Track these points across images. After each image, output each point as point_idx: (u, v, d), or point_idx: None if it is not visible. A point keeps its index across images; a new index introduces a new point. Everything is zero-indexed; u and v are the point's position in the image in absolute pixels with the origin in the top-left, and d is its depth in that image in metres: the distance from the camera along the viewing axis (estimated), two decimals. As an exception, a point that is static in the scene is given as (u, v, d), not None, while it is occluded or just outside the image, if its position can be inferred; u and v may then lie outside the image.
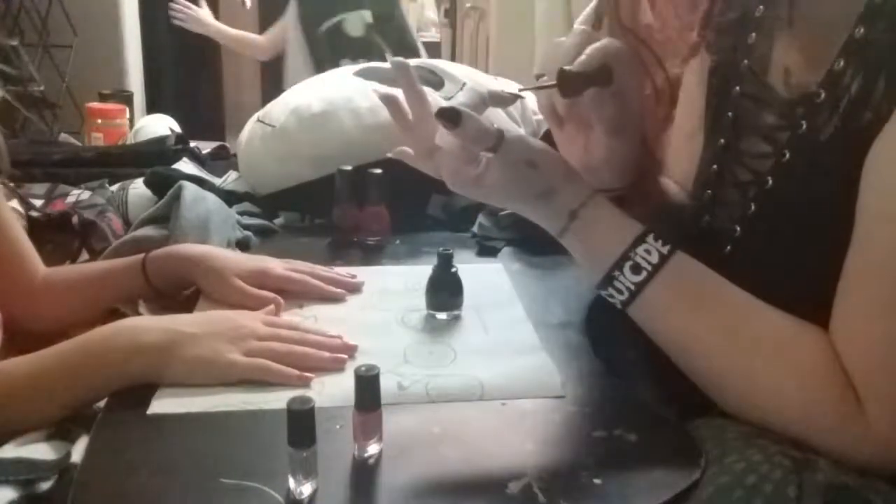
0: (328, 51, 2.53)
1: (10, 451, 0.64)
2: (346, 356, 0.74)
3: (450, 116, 0.67)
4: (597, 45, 0.72)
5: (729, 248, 0.76)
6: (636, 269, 0.67)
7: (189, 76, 4.08)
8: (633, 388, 0.71)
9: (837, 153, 0.65)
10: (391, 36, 2.55)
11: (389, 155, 0.80)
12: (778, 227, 0.72)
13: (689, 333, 0.67)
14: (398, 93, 0.77)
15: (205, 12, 2.80)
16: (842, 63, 0.66)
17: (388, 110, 0.77)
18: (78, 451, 0.63)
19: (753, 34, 0.77)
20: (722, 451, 0.59)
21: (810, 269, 0.68)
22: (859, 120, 0.63)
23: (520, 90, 0.78)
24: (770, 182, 0.72)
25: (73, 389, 0.68)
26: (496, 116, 1.23)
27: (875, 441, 0.59)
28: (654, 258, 0.67)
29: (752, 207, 0.74)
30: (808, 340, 0.63)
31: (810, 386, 0.61)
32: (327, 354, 0.73)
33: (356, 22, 2.52)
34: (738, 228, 0.75)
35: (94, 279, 0.90)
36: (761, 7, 0.77)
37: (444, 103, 0.69)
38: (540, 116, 1.38)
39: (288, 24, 2.65)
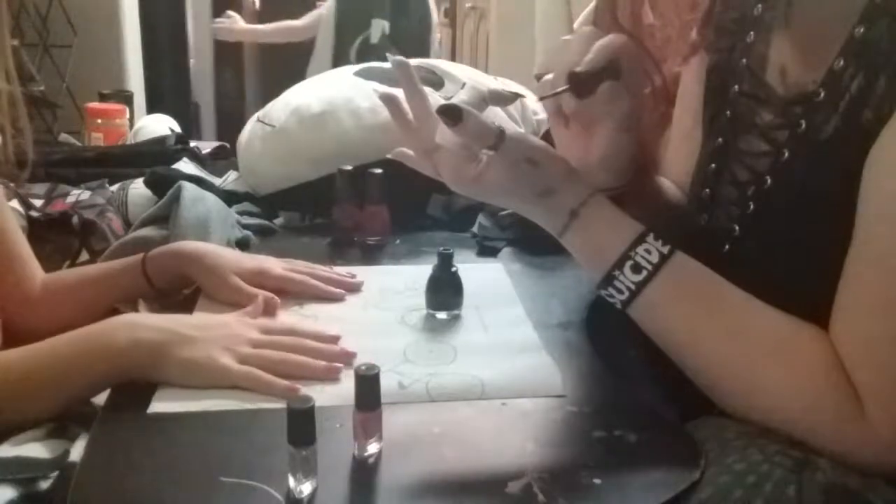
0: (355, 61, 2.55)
1: (9, 449, 0.63)
2: (341, 366, 0.72)
3: (451, 113, 0.67)
4: (602, 41, 0.71)
5: (727, 246, 0.76)
6: (636, 268, 0.67)
7: (189, 76, 4.07)
8: (634, 388, 0.71)
9: (837, 152, 0.65)
10: (409, 46, 2.55)
11: (389, 156, 0.80)
12: (776, 226, 0.72)
13: (690, 334, 0.66)
14: (398, 92, 0.77)
15: (239, 21, 2.81)
16: (841, 62, 0.66)
17: (387, 110, 0.77)
18: (77, 450, 0.63)
19: (752, 33, 0.77)
20: (722, 451, 0.59)
21: (809, 268, 0.68)
22: (859, 119, 0.63)
23: (539, 98, 0.77)
24: (769, 181, 0.72)
25: (67, 383, 0.68)
26: (496, 116, 1.23)
27: (876, 442, 0.59)
28: (655, 258, 0.67)
29: (751, 206, 0.74)
30: (809, 341, 0.63)
31: (811, 387, 0.61)
32: (322, 364, 0.71)
33: (376, 31, 2.54)
34: (737, 227, 0.75)
35: (94, 281, 0.90)
36: (759, 6, 0.77)
37: (445, 102, 0.69)
38: (540, 116, 1.38)
39: (324, 18, 2.67)
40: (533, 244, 1.04)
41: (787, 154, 0.70)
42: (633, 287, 0.67)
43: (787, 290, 0.65)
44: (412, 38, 2.62)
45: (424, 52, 2.65)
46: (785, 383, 0.62)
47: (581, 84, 0.70)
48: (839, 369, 0.61)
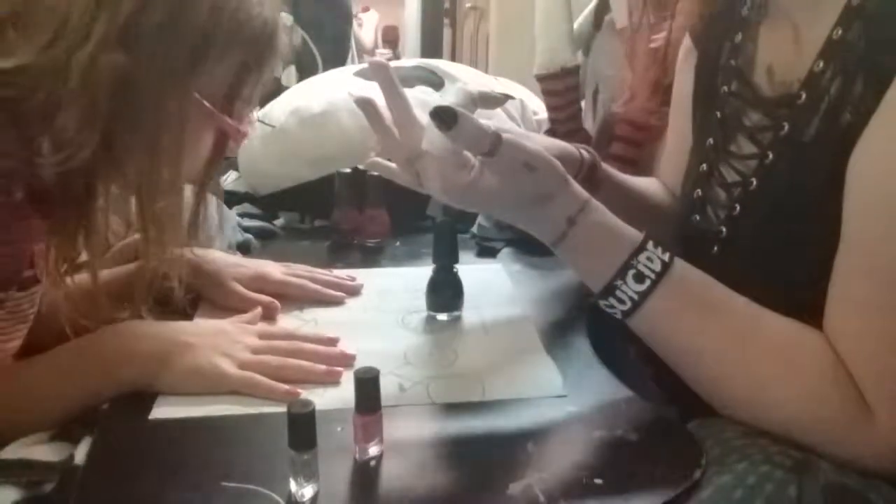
0: None
1: (14, 451, 0.64)
2: (341, 369, 0.72)
3: (445, 117, 0.62)
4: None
5: (716, 248, 0.76)
6: (639, 277, 0.65)
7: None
8: (634, 387, 0.71)
9: (820, 154, 0.65)
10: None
11: (361, 167, 0.77)
12: (762, 227, 0.71)
13: (693, 343, 0.65)
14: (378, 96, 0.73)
15: None
16: (821, 64, 0.66)
17: (364, 116, 0.73)
18: (81, 453, 0.63)
19: (740, 34, 0.77)
20: (722, 451, 0.59)
21: (796, 269, 0.67)
22: (839, 121, 0.63)
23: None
24: (754, 183, 0.72)
25: (66, 395, 0.68)
26: (496, 116, 1.23)
27: (884, 445, 0.58)
28: (657, 266, 0.65)
29: (737, 208, 0.73)
30: (814, 346, 0.62)
31: (817, 395, 0.60)
32: (322, 367, 0.71)
33: None
34: (724, 229, 0.75)
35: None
36: (746, 7, 0.77)
37: (438, 102, 0.66)
38: (540, 116, 1.39)
39: None
40: (533, 244, 1.03)
41: (771, 156, 0.70)
42: (635, 297, 0.65)
43: (776, 292, 0.64)
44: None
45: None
46: (791, 392, 0.61)
47: None
48: (844, 373, 0.60)
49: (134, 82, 0.64)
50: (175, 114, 0.67)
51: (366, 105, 0.72)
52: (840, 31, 0.65)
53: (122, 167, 0.68)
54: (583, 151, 0.82)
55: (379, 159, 0.75)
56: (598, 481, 0.57)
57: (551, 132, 1.26)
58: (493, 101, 0.78)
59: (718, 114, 0.78)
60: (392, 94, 0.71)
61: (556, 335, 0.81)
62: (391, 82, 0.70)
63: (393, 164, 0.75)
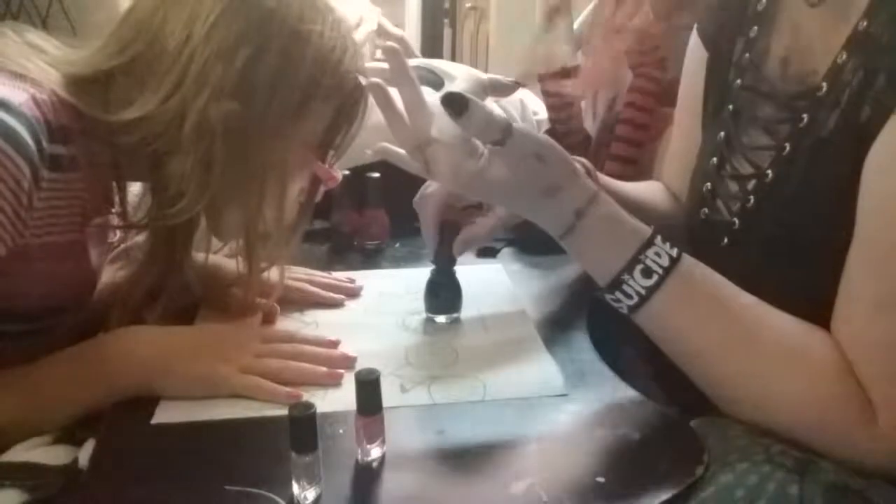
0: None
1: (18, 455, 0.64)
2: (342, 371, 0.72)
3: (456, 104, 0.62)
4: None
5: (727, 240, 0.75)
6: (647, 272, 0.64)
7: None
8: (636, 386, 0.71)
9: (838, 148, 0.65)
10: None
11: (369, 152, 0.77)
12: (777, 219, 0.71)
13: (698, 340, 0.65)
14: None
15: None
16: (844, 56, 0.65)
17: (374, 100, 0.72)
18: (84, 456, 0.63)
19: (755, 28, 0.77)
20: (724, 450, 0.59)
21: (808, 263, 0.67)
22: (859, 115, 0.62)
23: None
24: (770, 175, 0.71)
25: (69, 400, 0.68)
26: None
27: (887, 446, 0.58)
28: (665, 261, 0.65)
29: (751, 200, 0.73)
30: (820, 347, 0.62)
31: (822, 395, 0.60)
32: (323, 370, 0.71)
33: None
34: (737, 221, 0.75)
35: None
36: (763, 1, 0.77)
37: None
38: (540, 116, 1.38)
39: None
40: (533, 244, 1.04)
41: (788, 148, 0.70)
42: (642, 292, 0.65)
43: (786, 285, 0.64)
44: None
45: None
46: (796, 392, 0.61)
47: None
48: (850, 376, 0.60)
49: (244, 130, 0.69)
50: (280, 160, 0.72)
51: (376, 89, 0.72)
52: (866, 23, 0.64)
53: (226, 209, 0.74)
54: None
55: (388, 145, 0.75)
56: (601, 479, 0.57)
57: (551, 132, 1.26)
58: (504, 88, 0.78)
59: (731, 107, 0.77)
60: (403, 79, 0.70)
61: (556, 334, 0.81)
62: (403, 68, 0.70)
63: (402, 151, 0.75)
